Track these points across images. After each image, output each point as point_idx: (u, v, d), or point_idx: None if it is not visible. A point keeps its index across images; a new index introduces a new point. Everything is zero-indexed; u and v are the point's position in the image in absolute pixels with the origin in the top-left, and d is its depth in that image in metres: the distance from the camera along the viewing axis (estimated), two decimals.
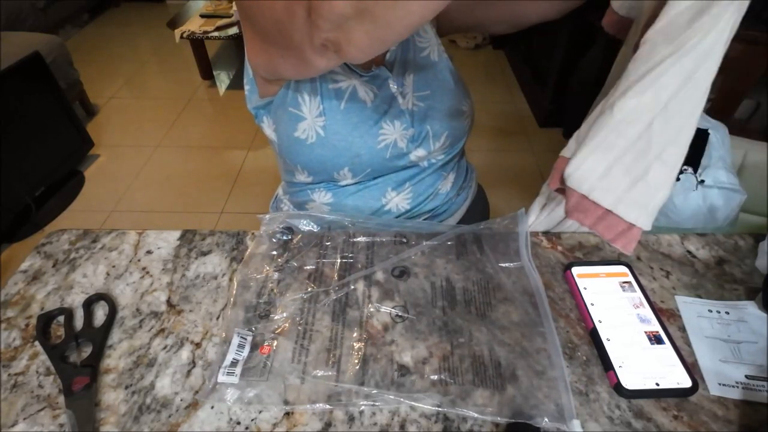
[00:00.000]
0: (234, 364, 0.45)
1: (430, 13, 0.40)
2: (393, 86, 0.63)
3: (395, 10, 0.39)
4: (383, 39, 0.43)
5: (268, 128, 0.66)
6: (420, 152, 0.66)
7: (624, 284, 0.52)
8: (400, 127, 0.63)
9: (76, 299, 0.52)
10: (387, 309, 0.50)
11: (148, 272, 0.55)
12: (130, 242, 0.59)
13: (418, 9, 0.39)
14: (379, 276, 0.54)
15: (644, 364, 0.45)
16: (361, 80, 0.61)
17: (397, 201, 0.68)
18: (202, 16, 2.48)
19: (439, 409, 0.42)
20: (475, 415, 0.41)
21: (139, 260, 0.57)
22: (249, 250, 0.57)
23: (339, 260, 0.56)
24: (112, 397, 0.44)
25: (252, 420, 0.42)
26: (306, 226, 0.60)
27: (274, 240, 0.58)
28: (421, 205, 0.70)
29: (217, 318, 0.50)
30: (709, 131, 0.89)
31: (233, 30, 2.36)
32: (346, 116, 0.60)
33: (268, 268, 0.54)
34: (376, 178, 0.67)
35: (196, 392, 0.44)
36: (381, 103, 0.62)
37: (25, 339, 0.48)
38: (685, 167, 0.88)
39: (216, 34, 2.35)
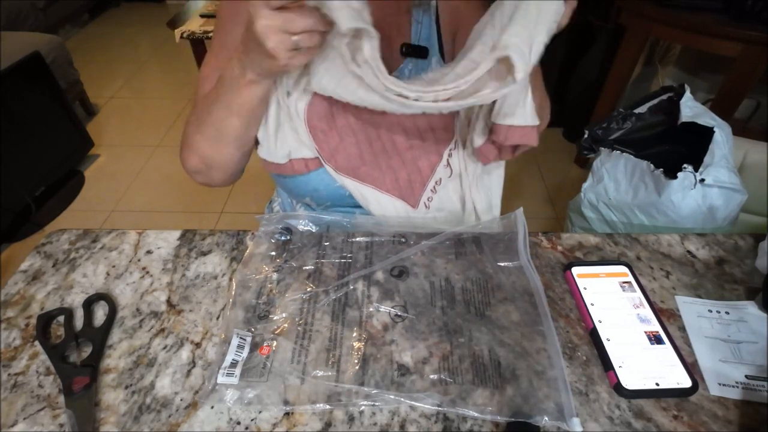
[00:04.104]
0: (233, 365, 0.45)
1: (248, 147, 0.59)
2: None
3: (224, 156, 0.57)
4: (233, 171, 0.62)
5: None
6: None
7: (624, 284, 0.52)
8: None
9: (76, 299, 0.52)
10: (386, 309, 0.50)
11: (148, 272, 0.55)
12: (130, 242, 0.59)
13: (242, 150, 0.58)
14: (379, 276, 0.54)
15: (644, 364, 0.45)
16: None
17: (378, 220, 0.68)
18: (202, 16, 2.47)
19: (439, 408, 0.42)
20: (475, 414, 0.41)
21: (139, 260, 0.57)
22: (248, 251, 0.57)
23: (338, 260, 0.56)
24: (112, 397, 0.44)
25: (252, 420, 0.42)
26: (305, 226, 0.60)
27: (273, 240, 0.58)
28: None
29: (217, 318, 0.50)
30: (715, 129, 0.88)
31: None
32: None
33: (267, 268, 0.54)
34: (342, 206, 0.67)
35: (196, 392, 0.44)
36: None
37: (25, 339, 0.48)
38: (685, 165, 0.88)
39: None
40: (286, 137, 0.58)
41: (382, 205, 0.62)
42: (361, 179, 0.61)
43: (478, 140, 0.55)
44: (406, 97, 0.44)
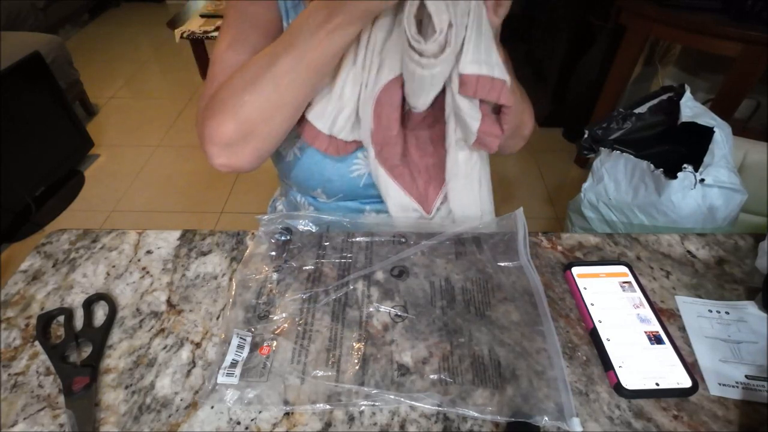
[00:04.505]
0: (233, 365, 0.45)
1: (294, 118, 0.53)
2: None
3: (272, 124, 0.51)
4: (268, 149, 0.54)
5: None
6: None
7: (624, 284, 0.52)
8: None
9: (76, 299, 0.52)
10: (386, 309, 0.50)
11: (148, 272, 0.55)
12: (130, 242, 0.59)
13: (290, 121, 0.53)
14: (379, 276, 0.54)
15: (644, 364, 0.45)
16: None
17: (378, 220, 0.68)
18: (202, 16, 2.47)
19: (439, 408, 0.42)
20: (475, 414, 0.41)
21: (139, 260, 0.57)
22: (248, 251, 0.57)
23: (338, 260, 0.56)
24: (112, 397, 0.44)
25: (252, 420, 0.42)
26: (305, 226, 0.60)
27: (273, 240, 0.58)
28: None
29: (217, 318, 0.50)
30: (715, 129, 0.88)
31: None
32: None
33: (267, 268, 0.54)
34: (354, 200, 0.67)
35: (196, 392, 0.44)
36: None
37: (25, 339, 0.48)
38: (685, 165, 0.88)
39: (216, 34, 2.34)
40: (346, 107, 0.55)
41: (402, 205, 0.62)
42: (394, 176, 0.60)
43: (474, 123, 0.52)
44: (418, 52, 0.45)
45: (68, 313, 0.50)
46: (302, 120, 0.57)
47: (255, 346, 0.47)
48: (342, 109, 0.56)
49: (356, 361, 0.46)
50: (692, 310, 0.51)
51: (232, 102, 0.50)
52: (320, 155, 0.61)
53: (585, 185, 1.08)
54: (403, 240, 0.58)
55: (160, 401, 0.43)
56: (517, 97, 0.61)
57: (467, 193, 0.62)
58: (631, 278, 0.53)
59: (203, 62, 2.67)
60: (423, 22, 0.45)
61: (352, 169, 0.62)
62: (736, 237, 0.60)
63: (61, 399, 0.43)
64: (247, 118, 0.50)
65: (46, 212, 1.85)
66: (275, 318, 0.49)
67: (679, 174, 0.88)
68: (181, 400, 0.43)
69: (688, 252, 0.58)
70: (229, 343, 0.46)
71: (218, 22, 2.38)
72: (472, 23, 0.46)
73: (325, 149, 0.58)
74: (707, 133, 0.89)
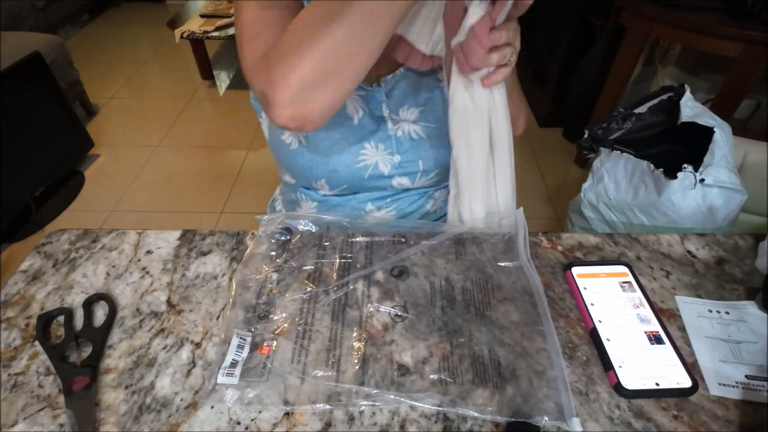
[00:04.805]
0: (233, 365, 0.45)
1: (376, 56, 0.44)
2: (385, 110, 0.62)
3: (359, 58, 0.43)
4: (344, 96, 0.46)
5: (264, 123, 0.66)
6: (403, 180, 0.65)
7: (624, 284, 0.52)
8: (384, 151, 0.62)
9: (76, 299, 0.52)
10: (386, 309, 0.50)
11: (148, 272, 0.55)
12: (130, 242, 0.59)
13: (377, 53, 0.44)
14: (379, 276, 0.54)
15: (644, 364, 0.45)
16: (353, 95, 0.60)
17: (379, 217, 0.68)
18: (202, 16, 2.48)
19: (439, 408, 0.42)
20: (475, 414, 0.41)
21: (139, 260, 0.57)
22: (248, 251, 0.57)
23: (338, 260, 0.56)
24: (112, 397, 0.44)
25: (252, 420, 0.42)
26: (304, 226, 0.60)
27: (273, 240, 0.58)
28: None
29: (217, 318, 0.50)
30: (715, 129, 0.88)
31: (233, 30, 2.35)
32: (329, 130, 0.60)
33: (267, 268, 0.54)
34: (356, 193, 0.67)
35: (196, 392, 0.44)
36: (369, 122, 0.61)
37: (25, 339, 0.48)
38: (685, 165, 0.88)
39: (216, 34, 2.35)
40: (431, 15, 0.50)
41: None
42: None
43: (472, 18, 0.45)
44: None
45: (68, 313, 0.50)
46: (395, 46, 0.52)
47: (255, 346, 0.47)
48: (431, 23, 0.51)
49: (356, 361, 0.46)
50: (692, 310, 0.51)
51: (311, 37, 0.42)
52: (327, 143, 0.61)
53: (585, 185, 1.08)
54: (403, 240, 0.58)
55: (160, 401, 0.43)
56: (519, 95, 0.60)
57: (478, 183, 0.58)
58: (631, 278, 0.53)
59: (203, 62, 2.68)
60: None
61: (358, 160, 0.62)
62: (736, 237, 0.60)
63: (61, 399, 0.43)
64: (330, 51, 0.42)
65: (46, 212, 1.85)
66: (275, 318, 0.49)
67: (679, 174, 0.88)
68: (181, 400, 0.43)
69: (688, 252, 0.58)
70: (229, 343, 0.46)
71: (218, 22, 2.38)
72: None
73: (418, 66, 0.54)
74: (707, 133, 0.89)
